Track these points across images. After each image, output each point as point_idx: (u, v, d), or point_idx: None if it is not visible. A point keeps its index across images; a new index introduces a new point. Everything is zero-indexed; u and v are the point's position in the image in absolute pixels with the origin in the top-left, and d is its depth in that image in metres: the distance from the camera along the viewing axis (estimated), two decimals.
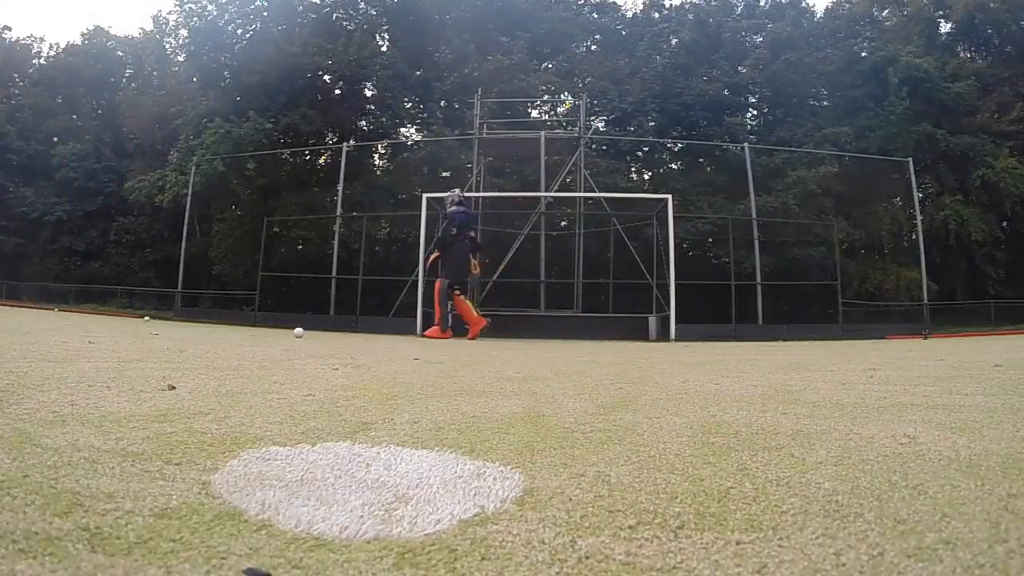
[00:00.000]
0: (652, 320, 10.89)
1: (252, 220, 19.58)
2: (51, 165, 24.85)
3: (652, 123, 22.11)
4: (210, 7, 23.91)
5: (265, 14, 23.57)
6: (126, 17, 75.30)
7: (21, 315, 10.02)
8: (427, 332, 8.29)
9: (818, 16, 24.84)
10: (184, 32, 25.63)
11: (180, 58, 27.17)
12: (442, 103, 22.84)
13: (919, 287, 15.73)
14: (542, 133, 14.51)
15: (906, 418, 1.29)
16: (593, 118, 21.95)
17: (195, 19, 24.27)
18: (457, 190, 9.01)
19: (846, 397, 1.63)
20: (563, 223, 16.82)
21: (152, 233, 23.92)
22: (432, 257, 8.60)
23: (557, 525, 0.59)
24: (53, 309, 17.32)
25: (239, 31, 23.70)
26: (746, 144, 17.33)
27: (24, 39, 30.10)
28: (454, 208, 8.39)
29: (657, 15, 25.96)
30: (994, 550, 0.51)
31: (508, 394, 1.60)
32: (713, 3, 24.21)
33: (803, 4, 24.80)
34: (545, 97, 22.86)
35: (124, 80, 29.30)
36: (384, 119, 23.74)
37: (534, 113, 24.02)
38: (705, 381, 2.09)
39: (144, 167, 23.20)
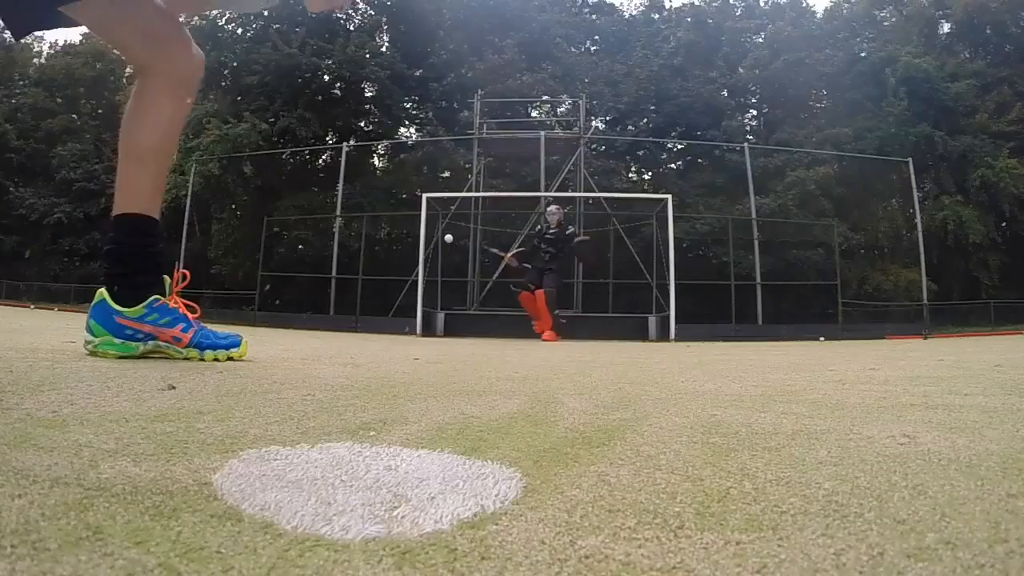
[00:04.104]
0: (652, 320, 10.89)
1: (252, 220, 19.62)
2: (51, 165, 24.83)
3: (651, 124, 22.15)
4: None
5: (266, 13, 23.57)
6: None
7: (21, 315, 10.01)
8: (545, 336, 8.55)
9: (818, 16, 24.86)
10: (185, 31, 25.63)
11: None
12: (441, 103, 22.86)
13: (918, 287, 15.75)
14: (542, 133, 14.51)
15: (906, 418, 1.29)
16: (593, 118, 21.97)
17: (195, 18, 24.25)
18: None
19: (846, 397, 1.63)
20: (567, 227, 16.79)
21: None
22: (511, 257, 8.95)
23: (557, 525, 0.59)
24: (53, 309, 17.32)
25: (239, 30, 23.72)
26: (745, 144, 17.34)
27: (23, 38, 30.10)
28: (572, 227, 8.92)
29: (656, 16, 25.99)
30: (994, 550, 0.51)
31: (508, 394, 1.60)
32: (713, 4, 24.23)
33: (803, 4, 24.84)
34: (544, 98, 22.89)
35: (124, 80, 29.31)
36: (383, 119, 23.76)
37: (534, 113, 24.04)
38: (705, 381, 2.09)
39: None
